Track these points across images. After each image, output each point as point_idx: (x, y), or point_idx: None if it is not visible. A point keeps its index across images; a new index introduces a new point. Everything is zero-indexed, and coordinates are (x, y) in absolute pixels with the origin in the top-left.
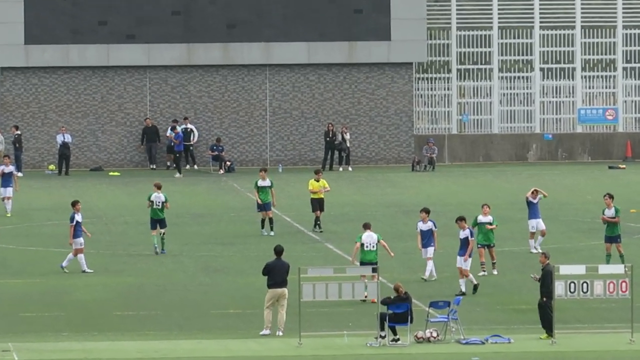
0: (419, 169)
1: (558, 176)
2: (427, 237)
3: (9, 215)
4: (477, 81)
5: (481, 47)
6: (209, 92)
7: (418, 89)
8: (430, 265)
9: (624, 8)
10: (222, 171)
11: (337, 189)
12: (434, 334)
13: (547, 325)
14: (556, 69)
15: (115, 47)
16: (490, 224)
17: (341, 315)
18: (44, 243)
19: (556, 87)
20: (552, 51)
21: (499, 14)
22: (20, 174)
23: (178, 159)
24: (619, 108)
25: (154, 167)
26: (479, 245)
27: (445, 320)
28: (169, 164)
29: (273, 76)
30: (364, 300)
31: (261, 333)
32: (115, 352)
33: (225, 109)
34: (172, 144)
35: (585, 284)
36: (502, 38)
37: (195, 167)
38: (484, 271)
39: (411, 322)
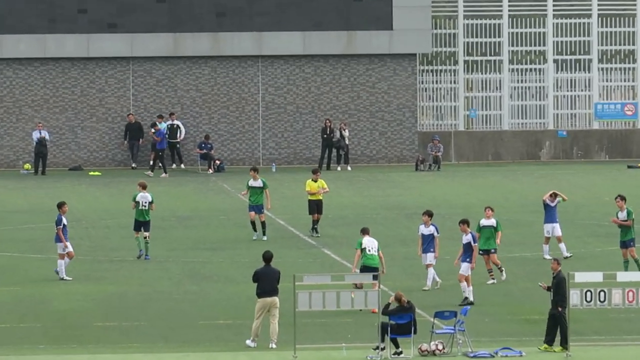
0: (423, 169)
1: (573, 176)
2: (427, 242)
3: None
4: (485, 74)
5: (490, 37)
6: (197, 85)
7: (422, 82)
8: (431, 273)
9: None
10: (211, 171)
11: (335, 190)
12: (440, 347)
13: (562, 337)
14: (571, 60)
15: (96, 37)
16: (495, 228)
17: (339, 326)
18: (19, 248)
19: (571, 80)
20: (566, 41)
21: (509, 1)
22: None
23: (162, 157)
24: (639, 103)
25: (135, 165)
26: (480, 252)
27: (452, 331)
28: (152, 163)
29: (266, 68)
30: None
31: (246, 342)
32: None
33: (214, 104)
34: (154, 141)
35: (602, 293)
36: (512, 27)
37: (182, 166)
38: (493, 279)
39: (415, 333)
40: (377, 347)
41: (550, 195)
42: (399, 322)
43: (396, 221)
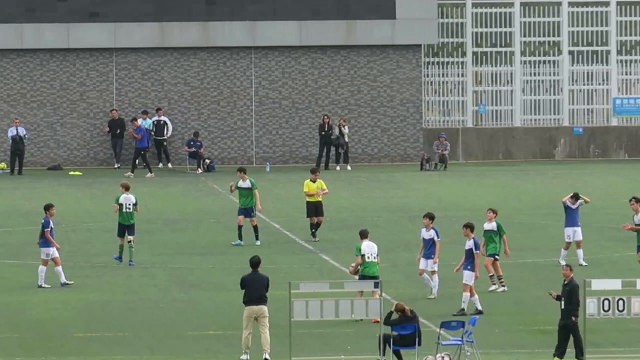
0: (428, 168)
1: (589, 176)
2: (428, 247)
3: None
4: (496, 66)
5: (501, 26)
6: (185, 78)
7: (427, 76)
8: (434, 280)
9: None
10: (200, 170)
11: (334, 191)
12: (446, 359)
13: (577, 349)
14: (588, 51)
15: (77, 27)
16: (496, 232)
17: (338, 337)
18: None
19: (588, 73)
20: (583, 31)
21: None
22: None
23: (144, 156)
24: None
25: (118, 165)
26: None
27: (459, 343)
28: (137, 162)
29: (259, 60)
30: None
31: (240, 358)
32: None
33: (203, 98)
34: (134, 138)
35: (621, 301)
36: (525, 16)
37: (169, 165)
38: (494, 284)
39: (419, 345)
40: None
41: (571, 197)
42: (402, 332)
43: (399, 225)
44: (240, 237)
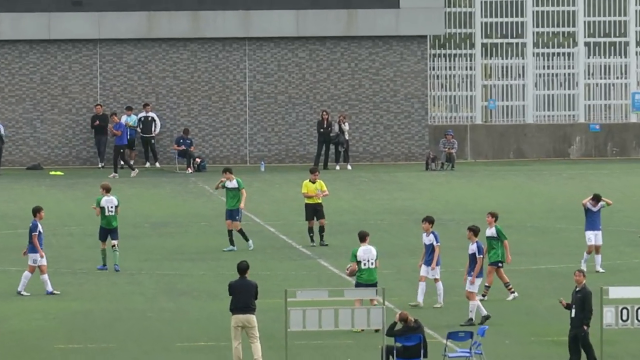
0: (434, 168)
1: (607, 176)
2: (429, 253)
3: None
4: (506, 59)
5: (512, 16)
6: (174, 71)
7: (433, 69)
8: (439, 288)
9: None
10: (190, 170)
11: (334, 192)
12: None
13: None
14: (605, 43)
15: (58, 16)
16: (497, 238)
17: (337, 348)
18: None
19: (605, 66)
20: (599, 21)
21: None
22: None
23: (123, 154)
24: None
25: (103, 165)
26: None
27: (467, 355)
28: (131, 162)
29: (254, 52)
30: (362, 330)
31: None
32: None
33: (194, 93)
34: (112, 135)
35: None
36: (537, 5)
37: (157, 164)
38: (514, 292)
39: (425, 357)
40: None
41: (592, 199)
42: (406, 344)
43: (403, 228)
44: (231, 242)
